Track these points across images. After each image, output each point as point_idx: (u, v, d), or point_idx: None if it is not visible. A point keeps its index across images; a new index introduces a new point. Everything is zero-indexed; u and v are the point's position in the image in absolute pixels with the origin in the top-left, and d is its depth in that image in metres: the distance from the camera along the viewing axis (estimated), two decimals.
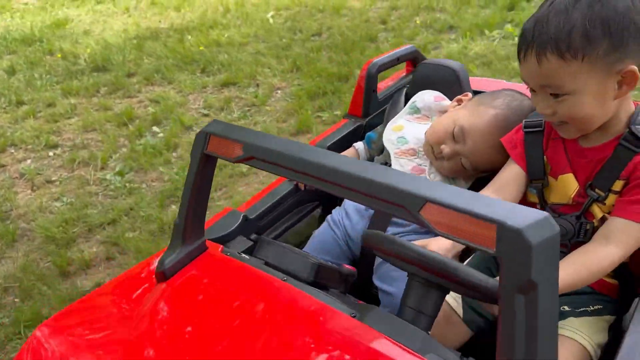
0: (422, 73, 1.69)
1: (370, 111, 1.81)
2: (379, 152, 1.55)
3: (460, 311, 1.23)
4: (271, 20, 5.01)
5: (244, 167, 2.87)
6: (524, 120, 1.25)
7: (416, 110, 1.54)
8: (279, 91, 3.81)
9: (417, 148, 1.44)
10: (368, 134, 1.66)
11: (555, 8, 1.00)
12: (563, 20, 0.98)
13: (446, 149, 1.35)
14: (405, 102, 1.64)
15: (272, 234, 1.44)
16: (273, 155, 0.84)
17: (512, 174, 1.24)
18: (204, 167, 0.96)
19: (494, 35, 4.10)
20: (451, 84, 1.62)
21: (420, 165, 1.42)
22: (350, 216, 1.45)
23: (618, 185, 1.11)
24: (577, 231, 1.15)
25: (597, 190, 1.12)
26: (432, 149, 1.39)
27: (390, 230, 1.37)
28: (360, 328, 0.85)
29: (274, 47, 4.45)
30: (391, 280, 1.32)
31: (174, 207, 2.69)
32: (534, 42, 1.01)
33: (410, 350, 0.80)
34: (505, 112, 1.33)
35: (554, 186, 1.19)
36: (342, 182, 0.76)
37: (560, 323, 1.14)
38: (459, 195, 0.67)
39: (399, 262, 0.90)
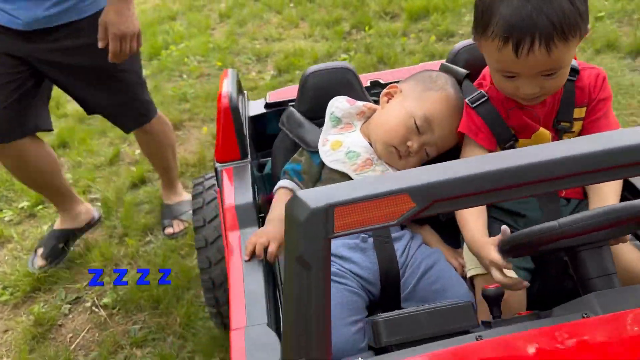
0: (312, 83, 1.48)
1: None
2: (315, 181, 1.37)
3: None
4: None
5: None
6: (466, 100, 1.31)
7: (338, 121, 1.38)
8: None
9: (371, 156, 1.34)
10: (286, 167, 1.41)
11: None
12: (554, 6, 1.05)
13: (414, 144, 1.30)
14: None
15: None
16: (465, 184, 0.71)
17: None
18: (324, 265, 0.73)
19: None
20: (344, 85, 1.47)
21: (384, 171, 1.35)
22: (349, 258, 1.25)
23: (578, 112, 1.28)
24: None
25: (562, 123, 1.26)
26: (395, 150, 1.32)
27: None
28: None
29: None
30: (433, 296, 1.23)
31: None
32: (537, 33, 1.05)
33: None
34: (452, 90, 1.34)
35: (528, 143, 1.27)
36: (584, 168, 0.68)
37: None
38: None
39: (564, 241, 0.90)
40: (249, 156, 1.52)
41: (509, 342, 0.83)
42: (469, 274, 1.27)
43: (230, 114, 1.45)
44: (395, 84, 1.42)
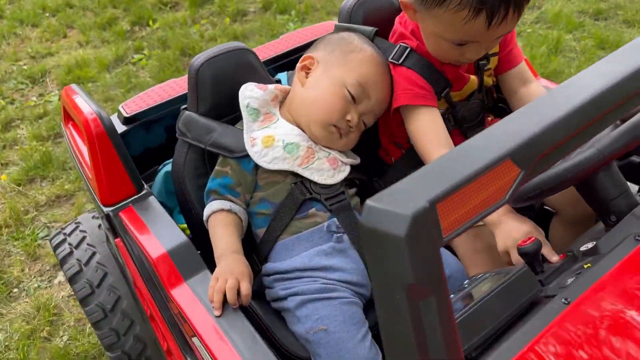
0: (208, 74, 1.15)
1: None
2: (252, 192, 1.12)
3: None
4: None
5: None
6: (391, 59, 1.18)
7: (257, 113, 1.12)
8: None
9: (309, 143, 1.12)
10: (210, 186, 1.12)
11: None
12: None
13: (354, 116, 1.12)
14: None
15: None
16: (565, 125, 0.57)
17: (437, 119, 1.16)
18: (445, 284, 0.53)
19: None
20: (246, 69, 1.21)
21: (329, 155, 1.14)
22: (331, 267, 1.04)
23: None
24: (486, 98, 1.26)
25: (481, 62, 1.21)
26: (335, 129, 1.12)
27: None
28: None
29: None
30: None
31: None
32: (512, 2, 0.98)
33: None
34: (372, 48, 1.18)
35: (459, 95, 1.22)
36: None
37: None
38: None
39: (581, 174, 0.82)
40: (145, 186, 1.17)
41: (599, 293, 0.73)
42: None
43: (109, 140, 1.07)
44: (307, 55, 1.20)
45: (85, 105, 1.14)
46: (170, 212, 1.40)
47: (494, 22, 0.98)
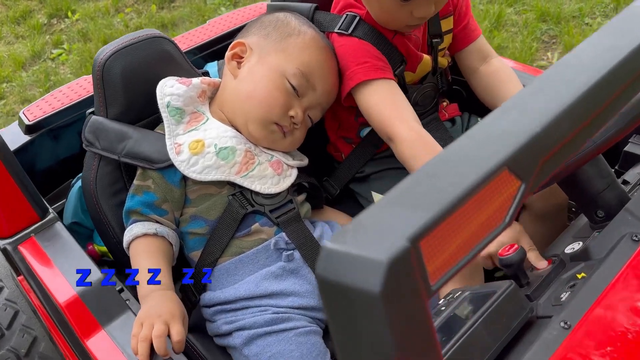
0: (118, 70, 0.96)
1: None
2: (181, 208, 0.95)
3: None
4: None
5: None
6: (336, 30, 1.03)
7: (181, 113, 0.93)
8: None
9: (246, 145, 0.95)
10: (130, 205, 0.93)
11: None
12: None
13: (298, 111, 0.95)
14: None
15: None
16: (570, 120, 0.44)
17: (398, 91, 1.01)
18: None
19: None
20: (165, 61, 1.01)
21: (271, 159, 0.97)
22: (283, 292, 0.89)
23: (445, 24, 1.10)
24: (439, 82, 1.13)
25: (434, 39, 1.09)
26: (277, 127, 0.95)
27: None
28: None
29: None
30: None
31: None
32: None
33: None
34: (313, 29, 1.02)
35: (413, 76, 1.09)
36: None
37: None
38: None
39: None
40: (50, 210, 0.96)
41: (605, 312, 0.61)
42: None
43: None
44: (238, 40, 1.01)
45: None
46: (90, 233, 1.21)
47: None
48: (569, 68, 0.49)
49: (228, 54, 1.00)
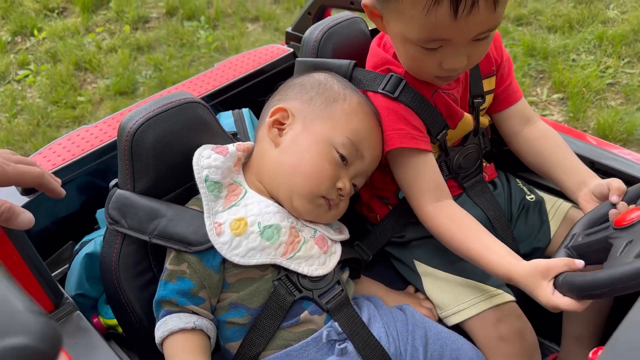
0: (150, 140, 0.85)
1: None
2: (218, 293, 0.85)
3: None
4: None
5: None
6: (380, 90, 0.96)
7: (219, 188, 0.84)
8: None
9: (288, 221, 0.86)
10: (163, 294, 0.82)
11: None
12: None
13: (346, 182, 0.89)
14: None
15: None
16: None
17: (433, 163, 0.98)
18: None
19: None
20: (197, 126, 0.90)
21: (315, 234, 0.89)
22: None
23: (487, 84, 1.07)
24: (482, 142, 1.09)
25: (476, 100, 1.06)
26: (324, 200, 0.88)
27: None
28: None
29: None
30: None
31: None
32: None
33: None
34: (357, 93, 0.96)
35: (453, 132, 1.04)
36: None
37: None
38: None
39: None
40: (65, 295, 0.84)
41: None
42: (453, 321, 0.95)
43: (9, 242, 0.74)
44: (279, 106, 0.92)
45: None
46: (94, 304, 1.09)
47: (461, 10, 0.78)
48: None
49: (268, 120, 0.91)
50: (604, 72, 2.56)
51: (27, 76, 3.25)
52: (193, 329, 0.79)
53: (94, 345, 0.78)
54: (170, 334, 0.78)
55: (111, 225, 0.84)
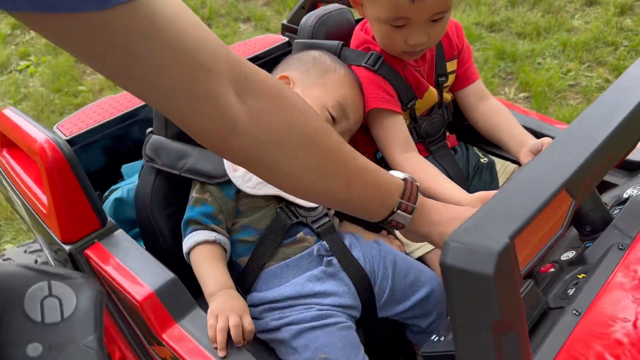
0: None
1: None
2: (232, 219, 1.05)
3: None
4: None
5: None
6: (363, 64, 1.20)
7: None
8: None
9: None
10: (191, 215, 1.02)
11: None
12: None
13: None
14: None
15: None
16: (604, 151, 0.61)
17: (403, 124, 1.22)
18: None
19: None
20: None
21: None
22: (324, 292, 1.00)
23: (450, 65, 1.29)
24: (445, 114, 1.31)
25: (440, 78, 1.27)
26: None
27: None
28: None
29: None
30: (410, 290, 1.09)
31: None
32: None
33: None
34: (344, 67, 1.18)
35: (420, 102, 1.26)
36: None
37: None
38: None
39: None
40: (109, 218, 1.05)
41: (606, 302, 0.78)
42: (416, 254, 1.18)
43: (70, 169, 0.95)
44: (282, 74, 1.15)
45: (37, 131, 0.99)
46: None
47: None
48: (603, 109, 0.66)
49: None
50: (566, 74, 2.82)
51: (28, 67, 3.41)
52: (214, 241, 1.00)
53: (137, 253, 0.98)
54: (196, 245, 0.99)
55: (147, 163, 1.06)
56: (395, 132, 1.20)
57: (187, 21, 0.58)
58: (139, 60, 0.56)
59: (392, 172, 0.92)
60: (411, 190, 0.84)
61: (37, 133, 0.98)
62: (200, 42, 0.59)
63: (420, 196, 0.86)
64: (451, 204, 0.92)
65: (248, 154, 0.67)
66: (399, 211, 0.83)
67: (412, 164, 1.16)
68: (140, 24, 0.54)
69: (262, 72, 0.68)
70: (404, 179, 0.86)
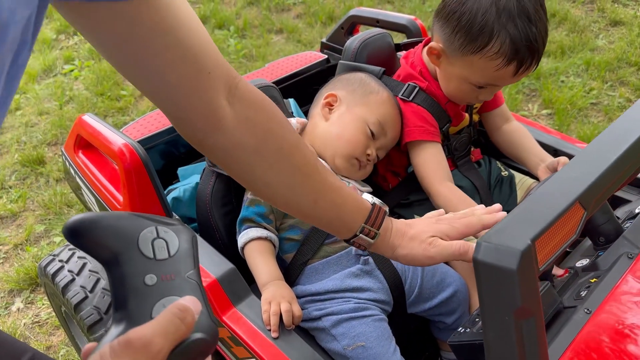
0: None
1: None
2: (281, 218, 1.18)
3: None
4: None
5: None
6: (401, 96, 1.31)
7: None
8: None
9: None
10: (246, 214, 1.15)
11: (524, 16, 1.10)
12: (544, 26, 1.13)
13: (373, 151, 1.25)
14: None
15: None
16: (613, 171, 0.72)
17: (441, 154, 1.31)
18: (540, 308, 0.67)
19: None
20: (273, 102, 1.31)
21: (349, 184, 1.24)
22: (361, 287, 1.11)
23: None
24: (472, 132, 1.41)
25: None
26: (356, 161, 1.23)
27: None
28: None
29: None
30: (437, 289, 1.19)
31: None
32: (537, 54, 1.13)
33: None
34: (387, 90, 1.30)
35: (454, 130, 1.38)
36: None
37: None
38: None
39: None
40: (174, 215, 1.19)
41: (615, 303, 0.89)
42: None
43: (144, 170, 1.09)
44: (331, 92, 1.29)
45: (115, 136, 1.14)
46: None
47: (521, 71, 1.14)
48: (614, 134, 0.77)
49: (322, 101, 1.27)
50: (588, 92, 2.91)
51: (72, 70, 3.60)
52: (265, 238, 1.13)
53: (202, 245, 1.12)
54: (250, 240, 1.13)
55: (209, 167, 1.20)
56: (435, 164, 1.28)
57: (197, 26, 0.65)
58: (155, 53, 0.61)
59: (364, 195, 1.04)
60: (377, 216, 0.88)
61: (116, 137, 1.13)
62: (206, 47, 0.66)
63: (387, 220, 0.90)
64: (415, 221, 0.94)
65: (227, 153, 0.73)
66: (361, 235, 0.87)
67: (451, 194, 1.24)
68: (163, 21, 0.60)
69: (251, 85, 0.75)
70: (373, 204, 0.90)
